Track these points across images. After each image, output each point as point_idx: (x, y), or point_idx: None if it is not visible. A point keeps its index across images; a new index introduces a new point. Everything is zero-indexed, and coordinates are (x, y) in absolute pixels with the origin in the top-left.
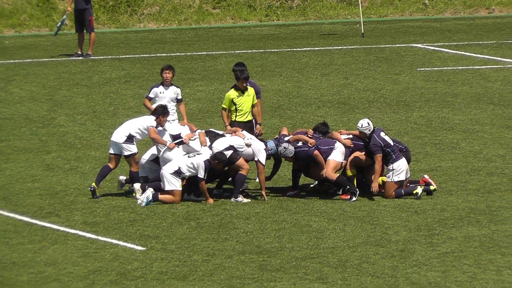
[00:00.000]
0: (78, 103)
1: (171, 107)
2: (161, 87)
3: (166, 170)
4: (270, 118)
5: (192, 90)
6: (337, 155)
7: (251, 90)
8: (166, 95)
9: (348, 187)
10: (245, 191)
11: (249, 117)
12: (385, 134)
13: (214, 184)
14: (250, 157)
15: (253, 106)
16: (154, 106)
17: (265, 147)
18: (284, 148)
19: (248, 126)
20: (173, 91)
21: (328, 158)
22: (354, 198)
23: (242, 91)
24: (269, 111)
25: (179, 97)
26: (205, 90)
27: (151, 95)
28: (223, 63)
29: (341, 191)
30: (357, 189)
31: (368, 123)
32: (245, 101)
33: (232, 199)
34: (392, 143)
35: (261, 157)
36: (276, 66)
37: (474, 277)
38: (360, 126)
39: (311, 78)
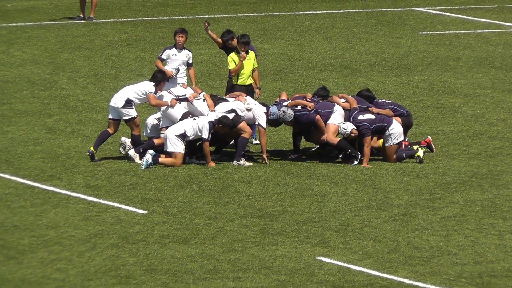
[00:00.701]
0: (80, 66)
1: (182, 70)
2: (174, 49)
3: (171, 132)
4: (272, 81)
5: (194, 54)
6: (337, 118)
7: (251, 54)
8: (178, 58)
9: (349, 150)
10: (246, 154)
11: (250, 81)
12: (363, 114)
13: (213, 149)
14: (252, 121)
15: (253, 70)
16: (166, 67)
17: (266, 111)
18: (283, 112)
19: (249, 90)
20: (185, 54)
21: (328, 122)
22: (355, 162)
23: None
24: (271, 74)
25: (190, 61)
26: (207, 53)
27: (163, 56)
28: (225, 26)
29: (342, 154)
30: (359, 153)
31: (345, 128)
32: (246, 65)
33: (234, 162)
34: (374, 117)
35: (262, 120)
36: (278, 29)
37: (476, 241)
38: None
39: (313, 41)
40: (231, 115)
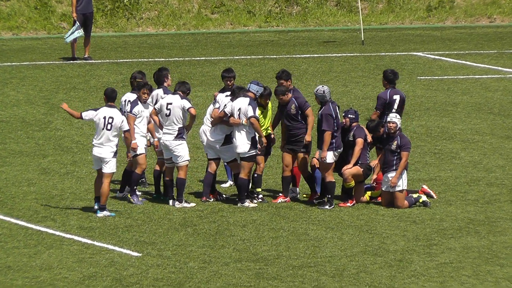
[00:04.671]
0: (75, 107)
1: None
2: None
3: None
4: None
5: (190, 96)
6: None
7: (269, 104)
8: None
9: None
10: (254, 195)
11: (270, 130)
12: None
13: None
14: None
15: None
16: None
17: (248, 98)
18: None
19: (269, 140)
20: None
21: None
22: (327, 207)
23: (263, 106)
24: None
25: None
26: (203, 96)
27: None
28: (221, 69)
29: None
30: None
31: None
32: (267, 116)
33: (239, 204)
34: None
35: (250, 111)
36: (275, 72)
37: None
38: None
39: (310, 85)
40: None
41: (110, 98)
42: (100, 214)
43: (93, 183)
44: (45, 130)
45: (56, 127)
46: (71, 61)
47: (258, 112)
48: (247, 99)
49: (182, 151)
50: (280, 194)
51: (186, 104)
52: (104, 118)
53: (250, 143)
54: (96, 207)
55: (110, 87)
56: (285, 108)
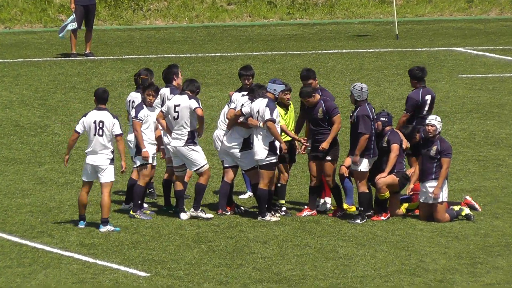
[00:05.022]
0: (74, 109)
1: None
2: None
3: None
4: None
5: (204, 96)
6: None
7: (291, 105)
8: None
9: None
10: (276, 207)
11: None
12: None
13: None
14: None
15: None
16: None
17: (267, 98)
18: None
19: (293, 145)
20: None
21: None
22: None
23: (286, 106)
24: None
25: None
26: (218, 96)
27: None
28: (239, 66)
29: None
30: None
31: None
32: (291, 117)
33: (259, 218)
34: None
35: (267, 114)
36: (299, 70)
37: None
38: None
39: (338, 84)
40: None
41: (101, 99)
42: (103, 228)
43: (94, 193)
44: (41, 135)
45: (53, 132)
46: (71, 58)
47: (280, 114)
48: (265, 100)
49: (196, 157)
50: (306, 206)
51: (193, 103)
52: (94, 122)
53: (267, 148)
54: (82, 223)
55: (101, 87)
56: (311, 110)
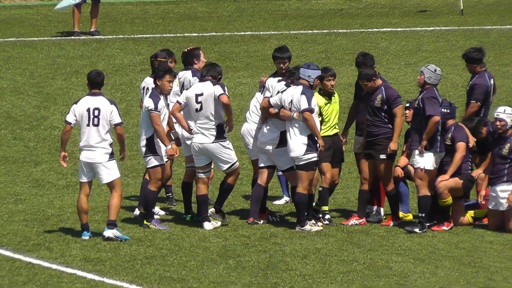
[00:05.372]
0: (77, 98)
1: None
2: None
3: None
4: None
5: (232, 83)
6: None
7: (336, 94)
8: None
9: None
10: (318, 215)
11: (336, 130)
12: None
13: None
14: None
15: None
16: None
17: (301, 85)
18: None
19: (336, 141)
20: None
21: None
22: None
23: (329, 95)
24: None
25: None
26: (249, 83)
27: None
28: (273, 47)
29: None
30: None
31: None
32: (334, 109)
33: (297, 228)
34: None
35: (303, 102)
36: (345, 52)
37: None
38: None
39: (392, 69)
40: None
41: (95, 84)
42: (108, 232)
43: (102, 198)
44: (37, 129)
45: (52, 125)
46: (73, 37)
47: (319, 105)
48: (300, 87)
49: (228, 154)
50: (354, 214)
51: (217, 89)
52: (88, 110)
53: (306, 143)
54: (86, 234)
55: (96, 69)
56: (369, 97)
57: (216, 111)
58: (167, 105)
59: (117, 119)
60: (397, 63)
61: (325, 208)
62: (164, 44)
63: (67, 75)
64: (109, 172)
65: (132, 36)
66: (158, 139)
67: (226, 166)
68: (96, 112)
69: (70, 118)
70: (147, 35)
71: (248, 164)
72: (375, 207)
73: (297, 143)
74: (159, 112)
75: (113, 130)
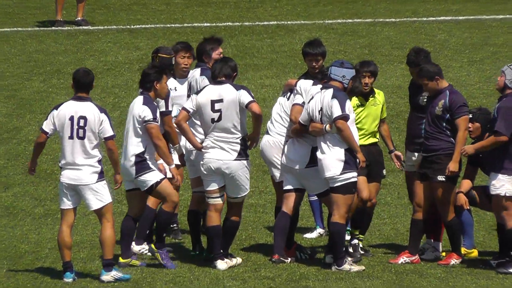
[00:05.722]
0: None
1: None
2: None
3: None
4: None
5: (253, 85)
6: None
7: (379, 95)
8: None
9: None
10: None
11: (373, 139)
12: None
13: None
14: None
15: (381, 121)
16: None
17: (332, 88)
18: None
19: (372, 152)
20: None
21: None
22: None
23: (364, 95)
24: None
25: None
26: (274, 85)
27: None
28: (303, 41)
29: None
30: None
31: None
32: (370, 113)
33: (334, 268)
34: None
35: (335, 109)
36: (393, 46)
37: None
38: None
39: (451, 67)
40: None
41: (82, 85)
42: (106, 276)
43: (88, 231)
44: (8, 143)
45: (27, 138)
46: (54, 28)
47: (353, 104)
48: (330, 91)
49: (247, 178)
50: (405, 250)
51: (244, 96)
52: (71, 119)
53: (343, 160)
54: (68, 276)
55: (84, 67)
56: (429, 101)
57: (241, 122)
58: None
59: (108, 131)
60: (459, 60)
61: (357, 232)
62: (168, 37)
63: (46, 75)
64: (99, 196)
65: (128, 26)
66: (156, 154)
67: (241, 194)
68: (82, 122)
69: (47, 126)
70: (147, 25)
71: (269, 184)
72: (430, 241)
73: (331, 160)
74: (158, 122)
75: (103, 145)
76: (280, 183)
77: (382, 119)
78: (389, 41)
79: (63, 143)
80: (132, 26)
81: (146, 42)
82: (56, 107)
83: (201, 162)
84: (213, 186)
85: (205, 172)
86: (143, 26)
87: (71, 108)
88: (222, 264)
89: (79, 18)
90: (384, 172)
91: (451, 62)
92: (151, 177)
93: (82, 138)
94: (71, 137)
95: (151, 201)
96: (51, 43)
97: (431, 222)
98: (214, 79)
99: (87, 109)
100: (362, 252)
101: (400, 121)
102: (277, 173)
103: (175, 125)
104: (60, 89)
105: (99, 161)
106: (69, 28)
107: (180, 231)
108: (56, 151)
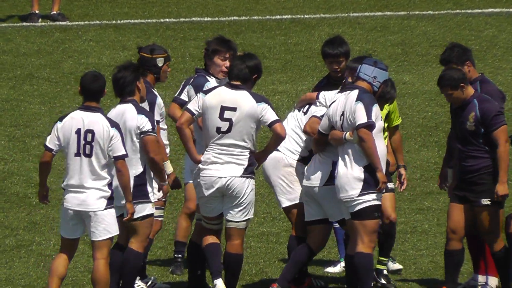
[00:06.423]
0: (32, 117)
1: None
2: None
3: None
4: (418, 147)
5: (264, 91)
6: None
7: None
8: None
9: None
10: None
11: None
12: None
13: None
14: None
15: (394, 128)
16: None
17: (357, 90)
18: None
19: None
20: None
21: None
22: None
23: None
24: (413, 134)
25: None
26: (289, 90)
27: (183, 95)
28: (323, 38)
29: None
30: None
31: None
32: (392, 120)
33: None
34: None
35: (359, 114)
36: (432, 44)
37: None
38: None
39: (501, 69)
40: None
41: (89, 92)
42: None
43: (83, 263)
44: None
45: (3, 157)
46: (25, 23)
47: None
48: (355, 92)
49: (252, 199)
50: (443, 285)
51: (269, 114)
52: (78, 132)
53: (362, 179)
54: None
55: (93, 71)
56: (458, 114)
57: (254, 139)
58: None
59: (119, 150)
60: (510, 61)
61: (382, 259)
62: (162, 33)
63: (16, 80)
64: (106, 226)
65: (114, 22)
66: (152, 174)
67: (245, 218)
68: (89, 137)
69: (51, 142)
70: (136, 20)
71: (275, 207)
72: (479, 278)
73: (348, 179)
74: (156, 134)
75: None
76: (290, 206)
77: (394, 126)
78: (426, 38)
79: (68, 161)
80: (118, 21)
81: (135, 41)
82: (61, 119)
83: (198, 180)
84: (212, 213)
85: (203, 194)
86: (131, 21)
87: (78, 120)
88: (223, 284)
89: (55, 12)
90: (392, 185)
91: (500, 63)
92: (142, 210)
93: (89, 156)
94: (77, 154)
95: (134, 245)
96: (22, 42)
97: (477, 253)
98: (229, 81)
99: (96, 121)
100: (387, 282)
101: (439, 134)
102: (281, 198)
103: (176, 129)
104: (33, 97)
105: (110, 185)
106: (43, 24)
107: (183, 266)
108: (30, 171)
